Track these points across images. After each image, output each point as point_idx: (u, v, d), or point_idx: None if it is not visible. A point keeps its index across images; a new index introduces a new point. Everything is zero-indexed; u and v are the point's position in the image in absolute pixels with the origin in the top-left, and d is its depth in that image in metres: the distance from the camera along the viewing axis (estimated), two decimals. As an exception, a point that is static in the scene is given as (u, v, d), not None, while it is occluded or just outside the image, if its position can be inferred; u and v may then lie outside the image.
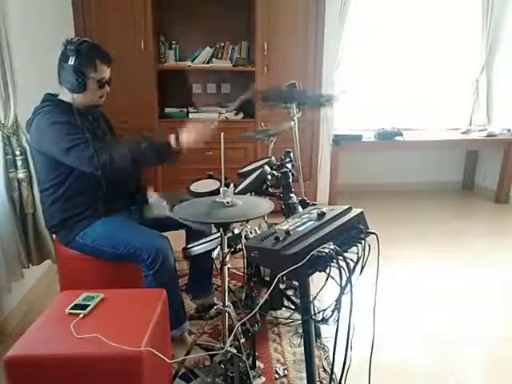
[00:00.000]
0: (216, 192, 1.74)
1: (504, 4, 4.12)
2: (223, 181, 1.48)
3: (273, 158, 2.27)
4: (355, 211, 1.32)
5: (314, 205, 1.84)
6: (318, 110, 3.60)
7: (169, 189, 3.41)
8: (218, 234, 1.72)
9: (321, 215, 1.27)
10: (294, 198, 2.10)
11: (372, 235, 1.25)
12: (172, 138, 1.78)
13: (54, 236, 2.05)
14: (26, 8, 2.43)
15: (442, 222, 3.78)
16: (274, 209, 1.40)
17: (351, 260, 1.12)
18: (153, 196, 2.01)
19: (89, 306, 1.44)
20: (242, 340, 1.62)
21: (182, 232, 2.15)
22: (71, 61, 1.73)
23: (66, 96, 1.84)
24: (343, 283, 1.10)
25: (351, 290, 1.11)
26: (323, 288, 1.17)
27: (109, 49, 1.89)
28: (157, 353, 1.31)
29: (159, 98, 3.55)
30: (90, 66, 1.78)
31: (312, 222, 1.25)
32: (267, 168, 2.07)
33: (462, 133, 4.30)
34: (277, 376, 1.82)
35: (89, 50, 1.79)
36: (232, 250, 1.65)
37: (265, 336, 2.09)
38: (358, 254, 1.18)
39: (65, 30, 3.12)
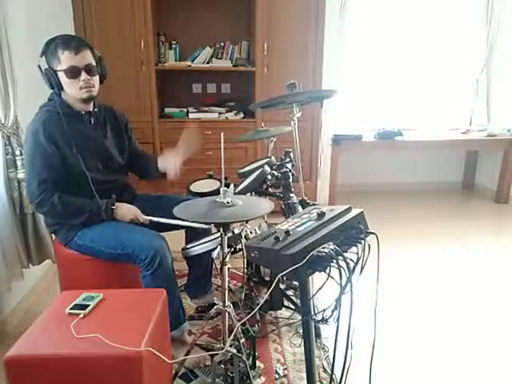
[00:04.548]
0: (216, 192, 1.74)
1: (504, 4, 4.12)
2: (223, 181, 1.49)
3: (273, 157, 2.27)
4: (355, 211, 1.31)
5: (313, 205, 1.84)
6: (318, 110, 3.60)
7: (168, 190, 3.41)
8: (218, 234, 1.72)
9: (321, 215, 1.27)
10: (294, 198, 2.10)
11: (372, 235, 1.25)
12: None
13: (53, 236, 2.05)
14: (26, 7, 2.43)
15: (442, 222, 3.78)
16: (274, 209, 1.40)
17: (351, 260, 1.12)
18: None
19: (89, 306, 1.44)
20: (242, 340, 1.63)
21: (182, 232, 2.15)
22: (40, 61, 1.69)
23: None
24: (343, 283, 1.10)
25: (351, 290, 1.11)
26: (323, 288, 1.16)
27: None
28: (157, 353, 1.31)
29: (159, 97, 3.55)
30: (53, 59, 1.71)
31: (312, 222, 1.25)
32: (267, 168, 2.07)
33: (462, 133, 4.30)
34: (277, 376, 1.82)
35: (51, 44, 1.71)
36: (232, 250, 1.65)
37: (265, 336, 2.09)
38: (357, 254, 1.18)
39: (65, 30, 3.11)
